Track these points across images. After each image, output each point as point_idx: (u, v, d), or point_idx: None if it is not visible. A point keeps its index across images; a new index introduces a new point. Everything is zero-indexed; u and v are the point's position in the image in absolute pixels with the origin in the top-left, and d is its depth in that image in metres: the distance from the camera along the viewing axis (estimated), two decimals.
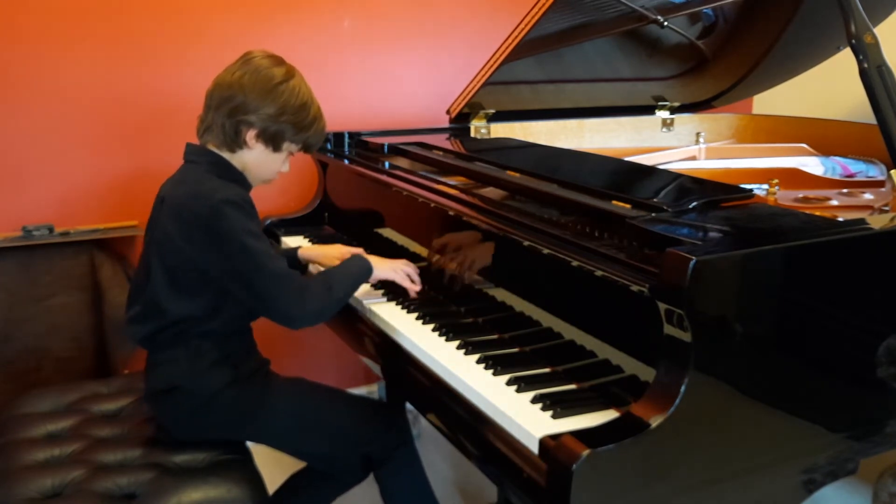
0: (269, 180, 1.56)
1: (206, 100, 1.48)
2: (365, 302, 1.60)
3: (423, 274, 1.63)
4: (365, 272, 1.54)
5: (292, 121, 1.46)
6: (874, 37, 1.44)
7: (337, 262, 1.61)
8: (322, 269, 1.67)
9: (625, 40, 2.11)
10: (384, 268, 1.57)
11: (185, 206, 1.40)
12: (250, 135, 1.45)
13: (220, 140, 1.47)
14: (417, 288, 1.58)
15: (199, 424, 1.47)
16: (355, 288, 1.53)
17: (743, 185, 1.42)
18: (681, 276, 0.99)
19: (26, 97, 2.09)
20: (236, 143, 1.46)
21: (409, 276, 1.58)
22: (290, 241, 2.07)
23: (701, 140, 2.36)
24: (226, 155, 1.48)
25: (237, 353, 1.50)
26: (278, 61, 1.49)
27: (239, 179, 1.49)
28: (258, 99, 1.43)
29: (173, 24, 2.22)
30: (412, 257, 1.73)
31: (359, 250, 1.64)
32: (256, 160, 1.49)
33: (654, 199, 1.31)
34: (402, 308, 1.55)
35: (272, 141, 1.47)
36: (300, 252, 1.74)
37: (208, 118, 1.47)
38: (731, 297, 1.06)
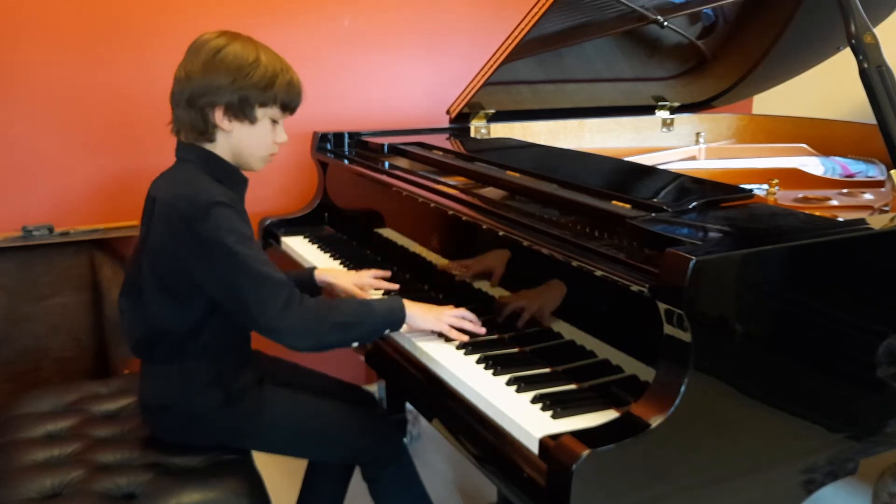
0: (269, 156, 1.46)
1: (170, 102, 1.42)
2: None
3: (424, 273, 1.63)
4: (389, 314, 1.40)
5: (249, 83, 1.36)
6: (874, 37, 1.44)
7: (348, 281, 1.60)
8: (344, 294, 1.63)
9: (625, 40, 2.10)
10: (426, 318, 1.40)
11: (172, 207, 1.36)
12: (218, 116, 1.38)
13: (196, 134, 1.40)
14: (469, 336, 1.39)
15: (192, 437, 1.46)
16: (366, 324, 1.39)
17: (743, 185, 1.41)
18: (681, 276, 0.99)
19: (26, 97, 2.09)
20: (209, 130, 1.39)
21: (457, 326, 1.39)
22: (290, 242, 2.07)
23: (701, 140, 2.36)
24: (208, 146, 1.42)
25: (231, 370, 1.46)
26: (220, 33, 1.40)
27: (230, 177, 1.43)
28: (205, 76, 1.36)
29: (173, 24, 2.22)
30: (412, 257, 1.73)
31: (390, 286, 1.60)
32: (240, 140, 1.41)
33: (654, 199, 1.31)
34: None
35: (243, 113, 1.39)
36: (317, 273, 1.68)
37: (175, 117, 1.42)
38: (731, 297, 1.06)
